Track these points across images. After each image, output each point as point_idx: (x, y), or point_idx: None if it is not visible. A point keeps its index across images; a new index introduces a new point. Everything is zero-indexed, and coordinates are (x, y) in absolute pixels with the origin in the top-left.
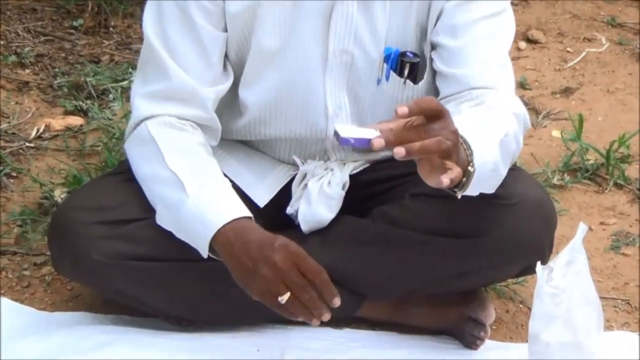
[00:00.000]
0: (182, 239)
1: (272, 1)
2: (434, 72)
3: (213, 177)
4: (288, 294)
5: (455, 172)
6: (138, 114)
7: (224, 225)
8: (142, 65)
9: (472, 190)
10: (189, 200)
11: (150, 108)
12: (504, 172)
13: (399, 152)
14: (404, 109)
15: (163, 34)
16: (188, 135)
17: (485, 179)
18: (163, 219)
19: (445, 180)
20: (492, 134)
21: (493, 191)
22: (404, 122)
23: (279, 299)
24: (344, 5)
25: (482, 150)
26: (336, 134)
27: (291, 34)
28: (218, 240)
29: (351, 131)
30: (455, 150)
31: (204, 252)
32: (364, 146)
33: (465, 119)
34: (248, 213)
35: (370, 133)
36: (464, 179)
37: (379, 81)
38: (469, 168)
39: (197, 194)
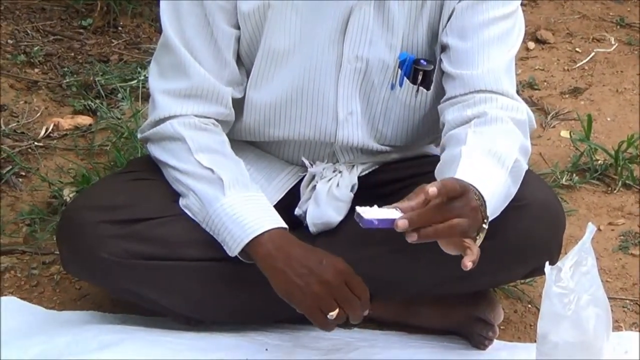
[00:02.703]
0: (208, 230)
1: (283, 3)
2: (442, 73)
3: (247, 180)
4: (337, 310)
5: (474, 253)
6: (161, 112)
7: (262, 234)
8: (160, 59)
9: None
10: (224, 199)
11: (173, 107)
12: (514, 192)
13: (412, 237)
14: (434, 191)
15: (180, 30)
16: (215, 136)
17: (498, 209)
18: (191, 207)
19: (468, 264)
20: (502, 165)
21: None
22: (424, 201)
23: (329, 314)
24: (361, 11)
25: (494, 194)
26: (359, 216)
27: (305, 37)
28: (256, 250)
29: (373, 212)
30: (474, 225)
31: (232, 252)
32: (387, 227)
33: (473, 156)
34: (284, 224)
35: (391, 213)
36: (479, 234)
37: (392, 86)
38: (483, 225)
39: (234, 194)
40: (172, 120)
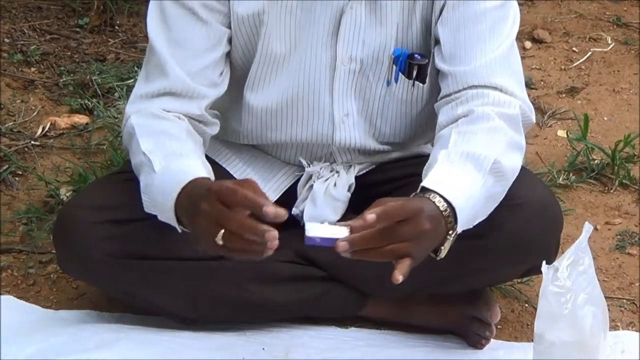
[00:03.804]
0: (163, 220)
1: (279, 5)
2: (437, 70)
3: (182, 153)
4: (222, 231)
5: (404, 267)
6: (127, 110)
7: (179, 194)
8: (145, 65)
9: (467, 225)
10: (156, 177)
11: (139, 105)
12: (502, 190)
13: (345, 254)
14: (372, 217)
15: (164, 32)
16: (167, 122)
17: (481, 213)
18: (147, 204)
19: (399, 277)
20: (480, 169)
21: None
22: (375, 221)
23: (215, 239)
24: (352, 11)
25: (468, 199)
26: (305, 233)
27: (299, 41)
28: (177, 210)
29: (321, 230)
30: (425, 247)
31: (176, 226)
32: (329, 245)
33: (449, 161)
34: (203, 174)
35: (340, 232)
36: (443, 244)
37: (388, 83)
38: (447, 236)
39: (162, 170)
40: (133, 114)
